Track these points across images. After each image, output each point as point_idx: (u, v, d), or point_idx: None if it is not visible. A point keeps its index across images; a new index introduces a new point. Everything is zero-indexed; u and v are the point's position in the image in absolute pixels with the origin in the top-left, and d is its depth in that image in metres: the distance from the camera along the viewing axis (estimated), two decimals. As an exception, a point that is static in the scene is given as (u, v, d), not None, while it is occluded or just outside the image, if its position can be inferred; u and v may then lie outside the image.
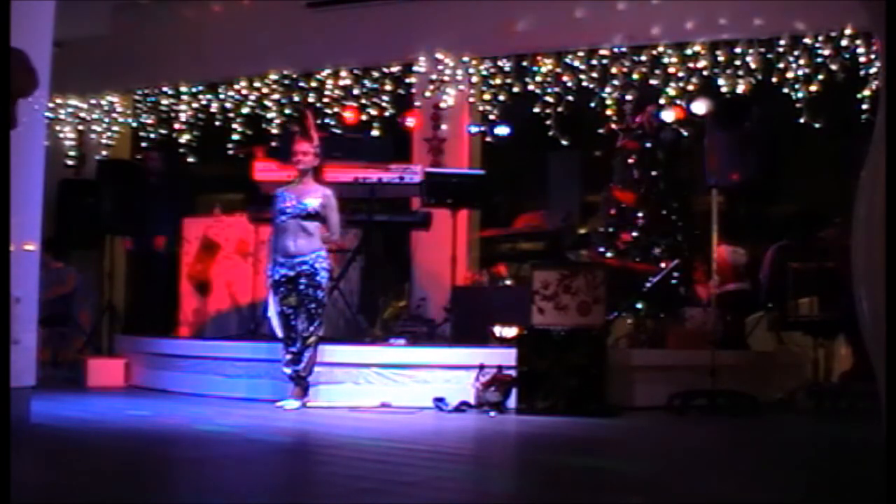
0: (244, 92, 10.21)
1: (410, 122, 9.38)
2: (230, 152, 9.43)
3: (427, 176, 8.22)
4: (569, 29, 8.95)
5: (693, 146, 8.29)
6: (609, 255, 8.55)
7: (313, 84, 9.92)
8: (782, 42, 8.31)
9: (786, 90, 8.33)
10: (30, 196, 5.73)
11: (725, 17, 8.39)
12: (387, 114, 9.63)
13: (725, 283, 7.94)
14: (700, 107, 7.88)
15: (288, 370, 6.88)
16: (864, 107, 7.91)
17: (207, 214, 9.59)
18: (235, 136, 10.06)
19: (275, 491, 3.94)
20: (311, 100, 9.83)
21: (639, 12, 8.73)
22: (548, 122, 9.08)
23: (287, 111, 9.82)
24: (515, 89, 9.22)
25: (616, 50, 8.87)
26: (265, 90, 10.13)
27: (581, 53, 8.99)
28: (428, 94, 9.42)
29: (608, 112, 8.88)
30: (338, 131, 9.42)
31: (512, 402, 6.78)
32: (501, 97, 9.28)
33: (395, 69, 9.64)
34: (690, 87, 8.56)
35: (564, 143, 9.15)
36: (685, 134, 8.61)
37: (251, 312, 8.42)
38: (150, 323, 9.59)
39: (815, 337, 7.28)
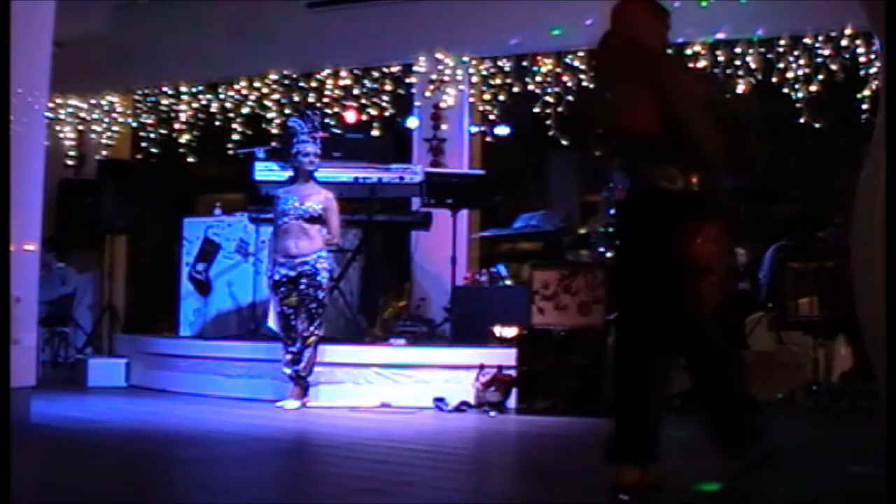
0: (244, 92, 10.20)
1: (411, 122, 9.39)
2: (230, 152, 9.43)
3: (427, 176, 8.21)
4: (570, 29, 8.94)
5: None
6: (609, 255, 8.54)
7: (313, 84, 9.92)
8: (782, 42, 8.30)
9: (786, 90, 8.32)
10: (30, 196, 5.74)
11: (725, 16, 8.38)
12: (387, 114, 9.63)
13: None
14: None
15: (288, 370, 6.88)
16: (864, 107, 7.90)
17: (207, 214, 9.59)
18: (235, 136, 10.05)
19: (275, 491, 3.95)
20: (311, 100, 9.83)
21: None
22: (548, 122, 9.07)
23: (287, 111, 9.80)
24: (515, 89, 9.21)
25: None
26: (265, 90, 10.12)
27: (581, 53, 8.98)
28: (428, 94, 9.42)
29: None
30: (338, 131, 9.41)
31: (512, 402, 6.78)
32: (501, 97, 9.27)
33: (395, 69, 9.64)
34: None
35: (564, 143, 9.14)
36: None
37: (251, 312, 8.42)
38: (150, 323, 9.62)
39: (815, 337, 7.26)
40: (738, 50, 8.40)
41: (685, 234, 3.63)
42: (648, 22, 3.81)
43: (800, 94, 8.26)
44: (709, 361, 3.75)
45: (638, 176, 3.72)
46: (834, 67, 8.15)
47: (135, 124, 10.85)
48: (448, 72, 9.37)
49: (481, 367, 6.84)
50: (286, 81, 10.04)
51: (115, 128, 10.93)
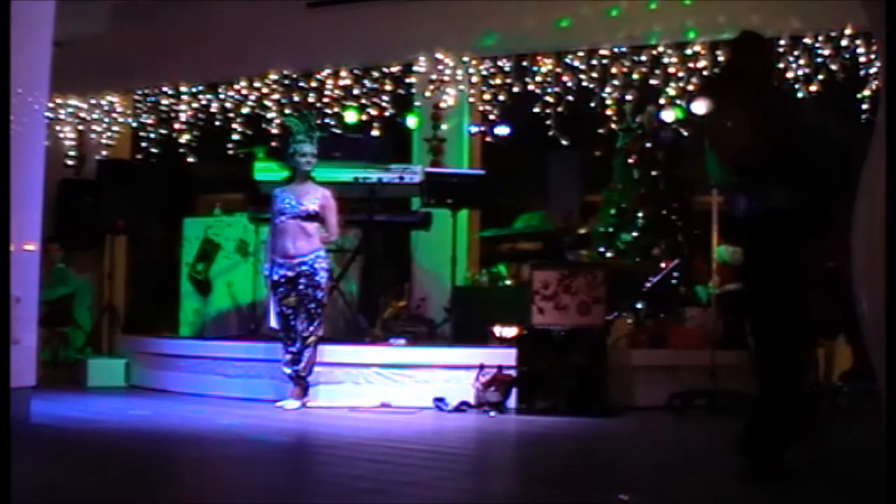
0: (244, 92, 10.20)
1: (411, 121, 9.38)
2: (230, 152, 9.42)
3: (427, 176, 8.21)
4: (570, 29, 8.94)
5: (693, 146, 8.27)
6: (608, 254, 8.55)
7: (313, 84, 9.91)
8: (782, 42, 8.30)
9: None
10: (30, 196, 5.73)
11: (725, 17, 8.38)
12: (387, 114, 9.62)
13: (725, 283, 7.93)
14: (700, 107, 7.85)
15: (288, 370, 6.88)
16: (864, 107, 7.90)
17: (207, 214, 9.58)
18: (235, 136, 10.05)
19: (275, 491, 3.94)
20: (311, 100, 9.83)
21: (638, 13, 8.72)
22: (548, 122, 9.07)
23: (287, 111, 9.80)
24: (515, 89, 9.21)
25: (616, 50, 8.87)
26: (265, 90, 10.12)
27: (581, 53, 8.98)
28: (428, 94, 9.42)
29: (608, 112, 8.87)
30: (338, 131, 9.41)
31: (512, 402, 6.78)
32: (501, 97, 9.27)
33: (395, 69, 9.64)
34: (690, 87, 8.55)
35: (564, 143, 9.14)
36: (685, 134, 8.59)
37: (251, 312, 8.42)
38: (150, 323, 9.62)
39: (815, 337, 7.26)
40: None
41: (797, 250, 4.14)
42: (757, 57, 4.42)
43: (800, 95, 8.26)
44: (793, 368, 4.13)
45: (753, 197, 4.19)
46: (834, 67, 8.15)
47: (135, 124, 10.85)
48: (448, 72, 9.37)
49: (481, 367, 6.84)
50: (286, 81, 10.04)
51: (115, 128, 10.93)
